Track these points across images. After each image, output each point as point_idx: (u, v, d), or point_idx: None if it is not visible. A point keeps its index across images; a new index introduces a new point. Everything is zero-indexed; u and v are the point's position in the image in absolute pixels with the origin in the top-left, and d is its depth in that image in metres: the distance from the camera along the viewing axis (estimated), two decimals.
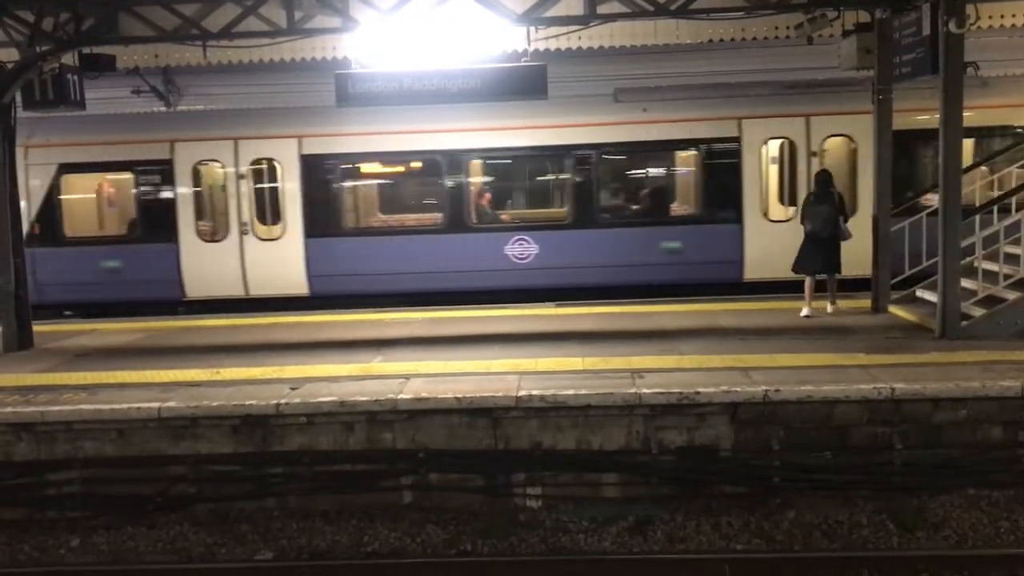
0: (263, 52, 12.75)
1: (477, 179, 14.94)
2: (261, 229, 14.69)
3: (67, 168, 14.57)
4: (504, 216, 15.40)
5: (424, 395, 8.37)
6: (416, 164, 15.07)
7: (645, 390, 8.25)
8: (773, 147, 14.57)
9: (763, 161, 14.30)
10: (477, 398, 8.30)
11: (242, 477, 8.41)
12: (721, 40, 13.21)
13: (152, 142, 14.51)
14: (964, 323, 10.00)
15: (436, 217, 14.68)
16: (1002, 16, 12.87)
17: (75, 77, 11.51)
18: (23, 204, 12.60)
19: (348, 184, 14.94)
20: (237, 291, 14.53)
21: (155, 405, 8.41)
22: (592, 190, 14.43)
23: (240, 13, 10.96)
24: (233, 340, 11.51)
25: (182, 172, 14.48)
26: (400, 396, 8.37)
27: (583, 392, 8.28)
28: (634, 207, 15.12)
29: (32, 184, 14.28)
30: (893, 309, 11.59)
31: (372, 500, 8.30)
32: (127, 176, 14.84)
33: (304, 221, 14.35)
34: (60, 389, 9.19)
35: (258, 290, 14.55)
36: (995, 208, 11.29)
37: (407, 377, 9.09)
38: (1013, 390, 8.06)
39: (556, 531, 7.89)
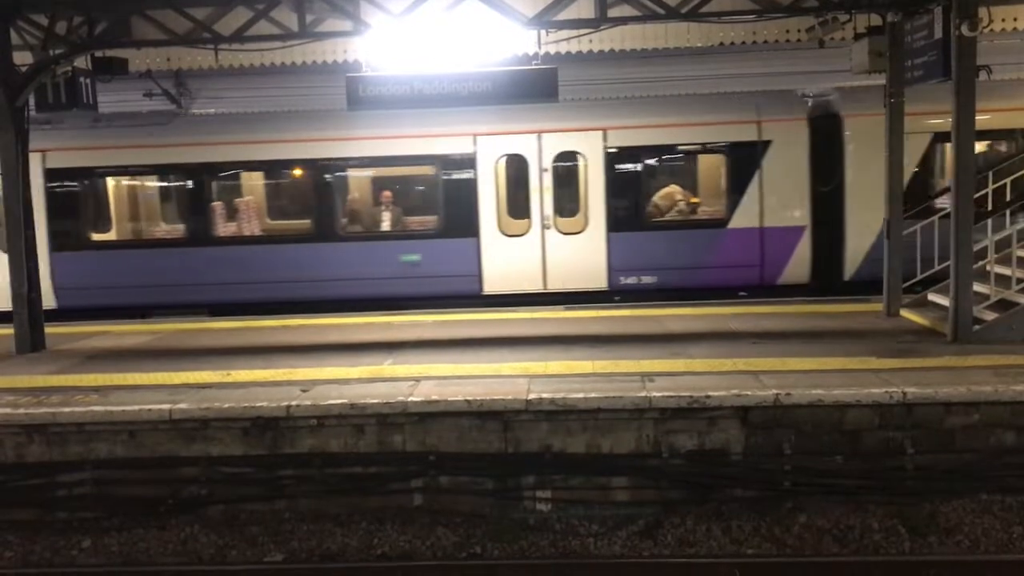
0: (274, 55, 12.80)
1: None
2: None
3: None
4: None
5: (434, 398, 8.38)
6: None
7: (655, 393, 8.23)
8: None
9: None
10: (487, 401, 8.30)
11: (253, 479, 8.43)
12: (732, 43, 13.20)
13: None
14: (976, 327, 9.94)
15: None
16: (1015, 19, 12.83)
17: (88, 80, 11.57)
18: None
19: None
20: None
21: (166, 407, 8.43)
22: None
23: (252, 17, 11.02)
24: (243, 342, 11.54)
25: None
26: (410, 399, 8.38)
27: (593, 395, 8.27)
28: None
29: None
30: (905, 313, 11.54)
31: (382, 502, 8.31)
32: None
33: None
34: (72, 391, 9.23)
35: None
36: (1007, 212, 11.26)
37: (417, 380, 9.10)
38: None
39: (566, 534, 7.89)
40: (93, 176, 14.89)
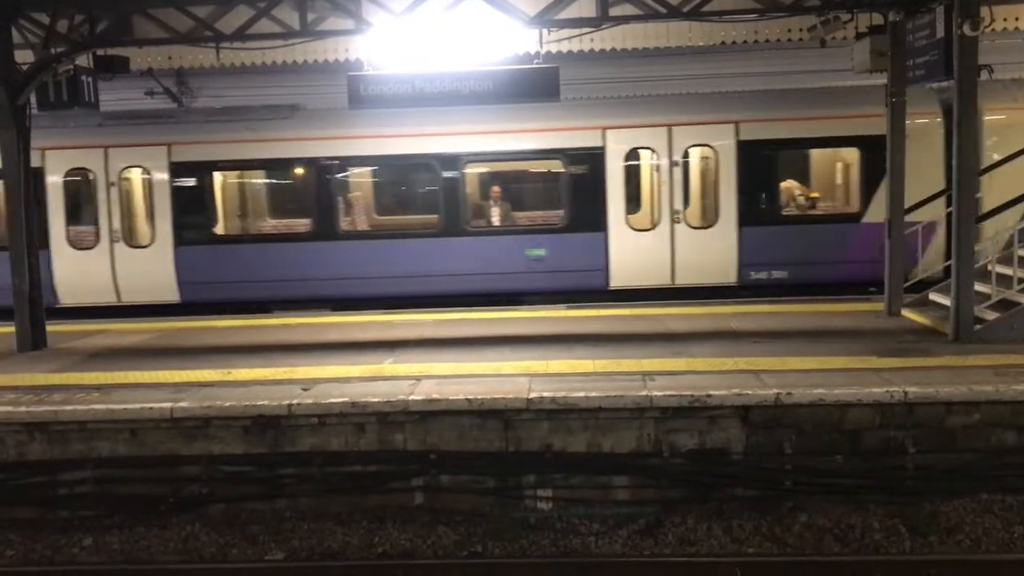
0: (276, 54, 12.82)
1: None
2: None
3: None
4: None
5: (435, 396, 8.38)
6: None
7: (656, 393, 8.23)
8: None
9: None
10: (488, 400, 8.30)
11: (254, 478, 8.43)
12: (734, 42, 13.21)
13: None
14: (977, 327, 9.94)
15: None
16: (1017, 18, 12.83)
17: (89, 79, 11.59)
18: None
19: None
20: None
21: (167, 405, 8.44)
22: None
23: (253, 15, 11.02)
24: (245, 341, 11.55)
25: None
26: (411, 397, 8.38)
27: (594, 394, 8.27)
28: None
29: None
30: (906, 312, 11.54)
31: (383, 501, 8.31)
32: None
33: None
34: (73, 389, 9.23)
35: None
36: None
37: (418, 378, 9.11)
38: None
39: (567, 533, 7.89)
40: (217, 170, 14.84)
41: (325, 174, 14.54)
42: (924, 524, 7.65)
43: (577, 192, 14.38)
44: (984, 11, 9.44)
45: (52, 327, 12.01)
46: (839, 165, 15.01)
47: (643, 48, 13.57)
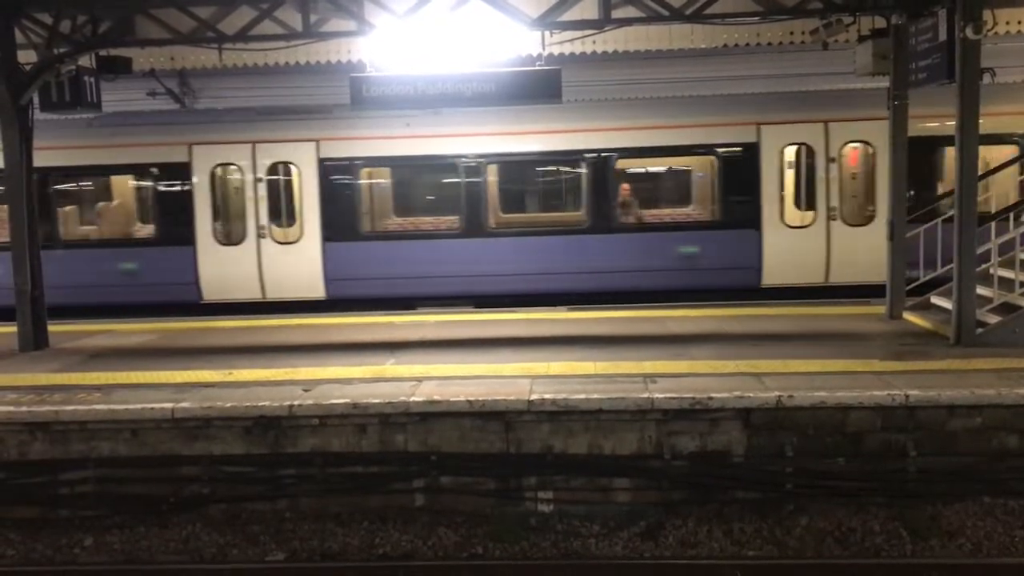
0: (278, 55, 12.80)
1: None
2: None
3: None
4: None
5: (436, 398, 8.38)
6: None
7: (657, 395, 8.23)
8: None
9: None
10: (489, 401, 8.29)
11: (255, 478, 8.43)
12: (736, 45, 13.20)
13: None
14: (979, 330, 9.93)
15: None
16: (1019, 22, 12.81)
17: (92, 79, 11.60)
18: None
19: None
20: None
21: (169, 406, 8.44)
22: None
23: (256, 16, 11.04)
24: (246, 341, 11.55)
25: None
26: (412, 399, 8.38)
27: (595, 396, 8.26)
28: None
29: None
30: (908, 315, 11.53)
31: (384, 502, 8.31)
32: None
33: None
34: (75, 389, 9.24)
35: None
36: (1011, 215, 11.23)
37: (419, 380, 9.11)
38: None
39: (567, 535, 7.88)
40: (366, 165, 14.79)
41: (474, 170, 14.50)
42: (925, 527, 7.64)
43: (729, 188, 14.21)
44: (986, 14, 9.43)
45: (54, 327, 12.02)
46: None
47: (645, 51, 13.54)
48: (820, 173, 14.07)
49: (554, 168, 15.34)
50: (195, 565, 7.72)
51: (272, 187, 14.75)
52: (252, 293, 14.78)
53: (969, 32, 9.31)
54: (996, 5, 10.12)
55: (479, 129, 14.50)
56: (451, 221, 14.87)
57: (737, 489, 8.19)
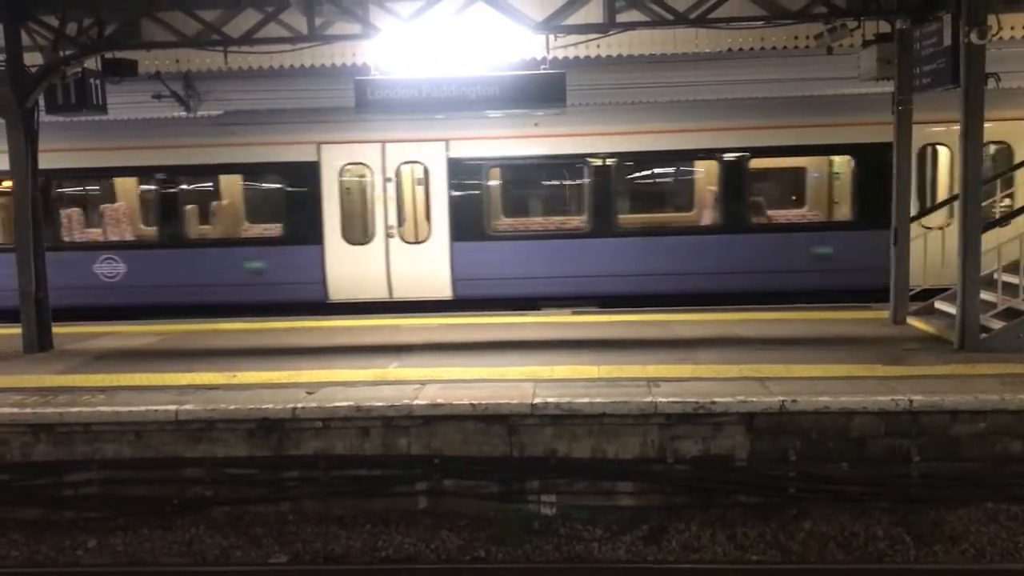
0: (284, 58, 12.81)
1: None
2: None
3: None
4: None
5: (440, 401, 8.39)
6: None
7: (661, 399, 8.23)
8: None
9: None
10: (492, 405, 8.30)
11: (258, 481, 8.44)
12: (740, 49, 13.19)
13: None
14: (983, 335, 9.92)
15: None
16: None
17: (97, 82, 11.62)
18: None
19: None
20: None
21: (172, 408, 8.46)
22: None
23: (261, 19, 11.06)
24: (249, 344, 11.57)
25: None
26: (416, 402, 8.39)
27: (598, 400, 8.27)
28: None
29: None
30: (911, 320, 11.52)
31: (387, 505, 8.32)
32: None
33: None
34: (79, 391, 9.26)
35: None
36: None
37: (423, 383, 9.11)
38: None
39: (570, 539, 7.89)
40: (494, 165, 14.80)
41: (601, 170, 14.50)
42: (929, 533, 7.63)
43: (863, 188, 14.08)
44: (991, 19, 9.43)
45: (59, 329, 12.04)
46: None
47: (649, 55, 13.53)
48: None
49: (679, 168, 15.37)
50: (198, 567, 7.73)
51: (400, 186, 14.82)
52: (379, 293, 14.79)
53: (974, 37, 9.31)
54: (1001, 10, 10.12)
55: (609, 128, 14.52)
56: (578, 221, 14.92)
57: (740, 493, 8.19)
